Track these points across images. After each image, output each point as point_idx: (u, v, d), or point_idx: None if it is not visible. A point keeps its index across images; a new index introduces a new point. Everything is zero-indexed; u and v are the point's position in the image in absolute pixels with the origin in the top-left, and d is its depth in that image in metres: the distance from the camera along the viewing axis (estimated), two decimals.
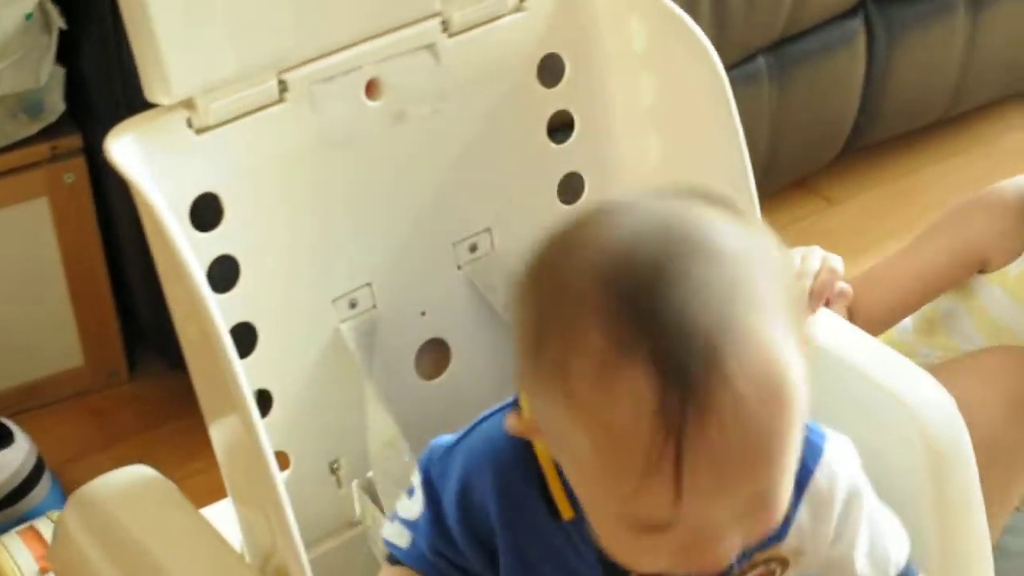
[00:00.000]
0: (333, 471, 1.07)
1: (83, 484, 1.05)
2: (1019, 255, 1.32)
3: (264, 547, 0.98)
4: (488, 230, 1.09)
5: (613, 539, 0.78)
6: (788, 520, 0.86)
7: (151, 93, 0.93)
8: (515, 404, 0.84)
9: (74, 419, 1.69)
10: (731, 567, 0.83)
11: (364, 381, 1.05)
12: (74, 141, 1.56)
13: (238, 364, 0.89)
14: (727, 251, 0.73)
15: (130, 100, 1.45)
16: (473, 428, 0.88)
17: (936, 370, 1.26)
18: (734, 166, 1.05)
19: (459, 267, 1.09)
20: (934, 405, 1.06)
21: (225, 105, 0.94)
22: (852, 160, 2.05)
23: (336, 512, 1.08)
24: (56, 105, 1.54)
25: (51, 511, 1.50)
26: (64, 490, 1.57)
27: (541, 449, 0.84)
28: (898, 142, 2.08)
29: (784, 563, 0.90)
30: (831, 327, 1.13)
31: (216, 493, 1.11)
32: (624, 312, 0.70)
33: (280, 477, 0.94)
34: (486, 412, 0.89)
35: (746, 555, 0.85)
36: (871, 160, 2.07)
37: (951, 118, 2.09)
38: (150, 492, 1.04)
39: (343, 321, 1.04)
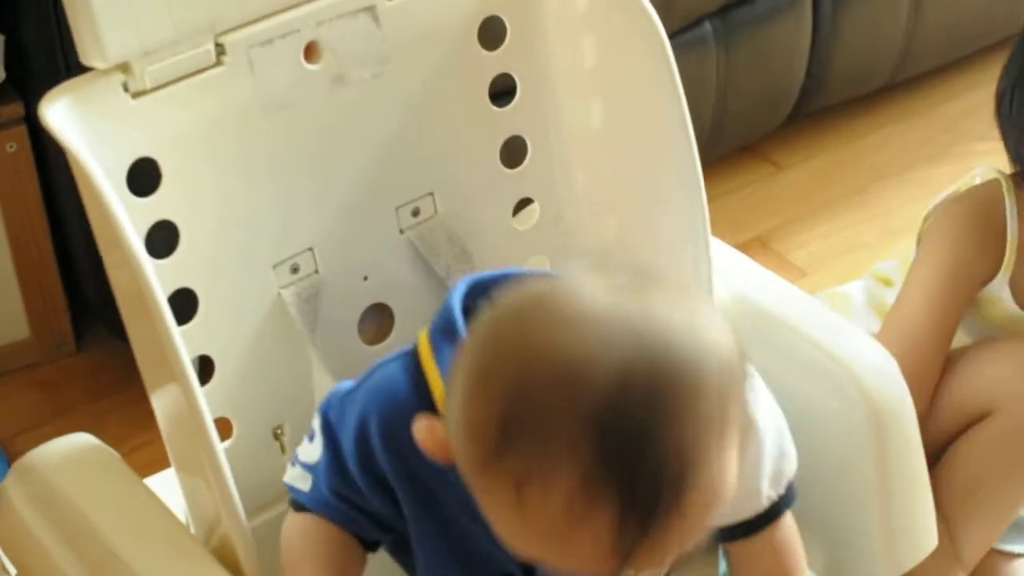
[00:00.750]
0: (277, 437, 1.07)
1: None
2: (1002, 261, 1.32)
3: (208, 516, 0.98)
4: (431, 194, 1.09)
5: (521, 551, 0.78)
6: None
7: (86, 56, 0.92)
8: (412, 356, 0.86)
9: (21, 392, 1.67)
10: None
11: (308, 346, 1.04)
12: (15, 110, 1.54)
13: (175, 330, 0.89)
14: (702, 385, 0.74)
15: (71, 67, 1.43)
16: (371, 374, 0.90)
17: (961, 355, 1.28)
18: (676, 128, 1.06)
19: (401, 231, 1.09)
20: (873, 365, 1.07)
21: (161, 69, 0.93)
22: (799, 125, 2.05)
23: (280, 478, 1.07)
24: None
25: None
26: (11, 463, 1.56)
27: (440, 394, 0.84)
28: (845, 108, 2.08)
29: None
30: (775, 290, 1.14)
31: (166, 463, 1.11)
32: (602, 461, 0.72)
33: (221, 444, 0.94)
34: (384, 359, 0.90)
35: None
36: (818, 125, 2.08)
37: (896, 84, 2.10)
38: (92, 461, 1.03)
39: (285, 287, 1.04)
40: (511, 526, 0.77)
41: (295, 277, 1.04)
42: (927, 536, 1.09)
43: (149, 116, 0.94)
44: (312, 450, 0.91)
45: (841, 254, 1.86)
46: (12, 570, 1.38)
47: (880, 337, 1.29)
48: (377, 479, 0.88)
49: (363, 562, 0.92)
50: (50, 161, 1.58)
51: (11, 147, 1.55)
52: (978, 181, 1.36)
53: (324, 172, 1.04)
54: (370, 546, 0.92)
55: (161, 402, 0.97)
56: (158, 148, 0.95)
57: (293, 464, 0.93)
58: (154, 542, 0.95)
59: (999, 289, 1.33)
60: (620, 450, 0.72)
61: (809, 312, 1.10)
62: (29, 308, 1.65)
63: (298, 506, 0.92)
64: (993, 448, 1.28)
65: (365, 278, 1.07)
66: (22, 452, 1.55)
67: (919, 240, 1.38)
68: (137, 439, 1.53)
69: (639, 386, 0.72)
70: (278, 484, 1.07)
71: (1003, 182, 1.33)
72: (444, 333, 0.86)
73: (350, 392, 0.90)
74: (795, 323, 1.09)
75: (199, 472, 0.96)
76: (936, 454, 1.29)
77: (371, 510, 0.90)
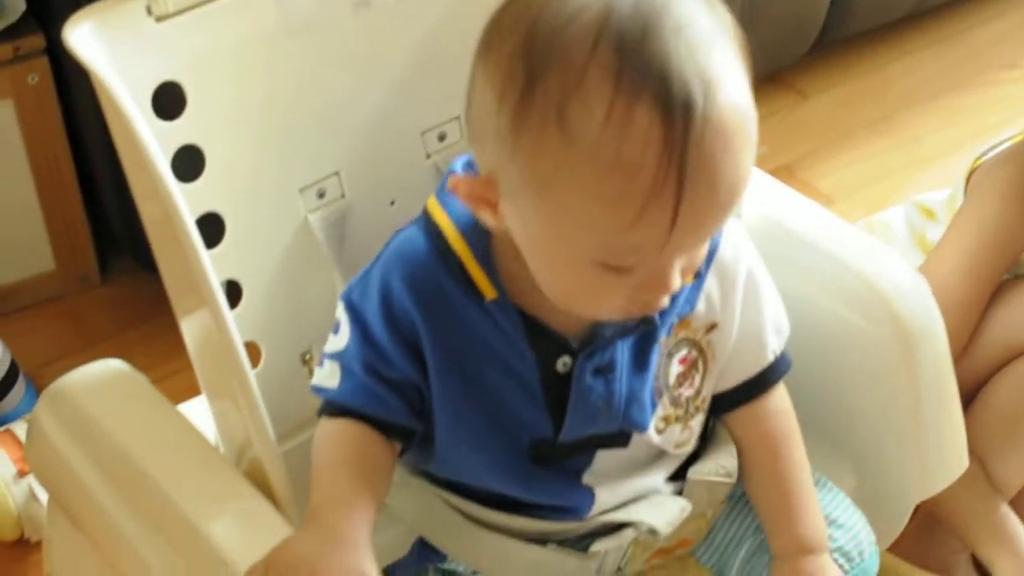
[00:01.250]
0: (305, 362, 1.07)
1: None
2: None
3: (238, 441, 0.99)
4: (457, 119, 1.08)
5: (575, 284, 0.84)
6: (699, 287, 0.94)
7: None
8: (423, 216, 0.91)
9: (47, 323, 1.68)
10: (657, 334, 0.92)
11: (334, 271, 1.04)
12: (37, 41, 1.54)
13: (204, 254, 0.89)
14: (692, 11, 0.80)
15: None
16: (385, 247, 0.92)
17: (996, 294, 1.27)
18: None
19: (428, 156, 1.08)
20: (904, 285, 1.06)
21: None
22: (824, 54, 2.04)
23: (309, 403, 1.07)
24: (17, 5, 1.52)
25: (27, 414, 1.50)
26: (40, 394, 1.57)
27: (454, 237, 0.89)
28: (869, 36, 2.07)
29: (701, 352, 0.95)
30: (805, 212, 1.13)
31: (190, 391, 1.11)
32: (626, 61, 0.78)
33: (251, 369, 0.94)
34: (393, 234, 0.93)
35: (667, 324, 0.93)
36: (843, 54, 2.07)
37: (922, 11, 2.08)
38: (122, 386, 1.04)
39: (311, 211, 1.04)
40: (563, 172, 0.79)
41: (322, 202, 1.04)
42: (958, 457, 1.09)
43: (173, 40, 0.93)
44: (338, 339, 0.92)
45: (868, 182, 1.85)
46: (43, 497, 1.39)
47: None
48: (405, 339, 0.90)
49: (393, 462, 0.92)
50: (73, 92, 1.58)
51: (33, 79, 1.55)
52: None
53: (349, 96, 1.03)
54: (402, 437, 0.92)
55: (190, 327, 0.97)
56: (182, 72, 0.95)
57: (320, 364, 0.93)
58: (186, 464, 0.96)
59: None
60: (636, 48, 0.78)
61: (839, 233, 1.10)
62: (54, 240, 1.66)
63: (327, 409, 0.93)
64: None
65: (392, 203, 1.07)
66: (48, 383, 1.57)
67: (966, 186, 1.36)
68: (163, 369, 1.53)
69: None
70: (307, 409, 1.07)
71: None
72: (448, 190, 0.89)
73: (368, 269, 0.93)
74: (826, 244, 1.08)
75: (229, 397, 0.96)
76: (971, 394, 1.28)
77: (402, 381, 0.90)
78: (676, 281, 0.84)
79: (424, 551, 0.98)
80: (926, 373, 1.07)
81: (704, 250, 0.87)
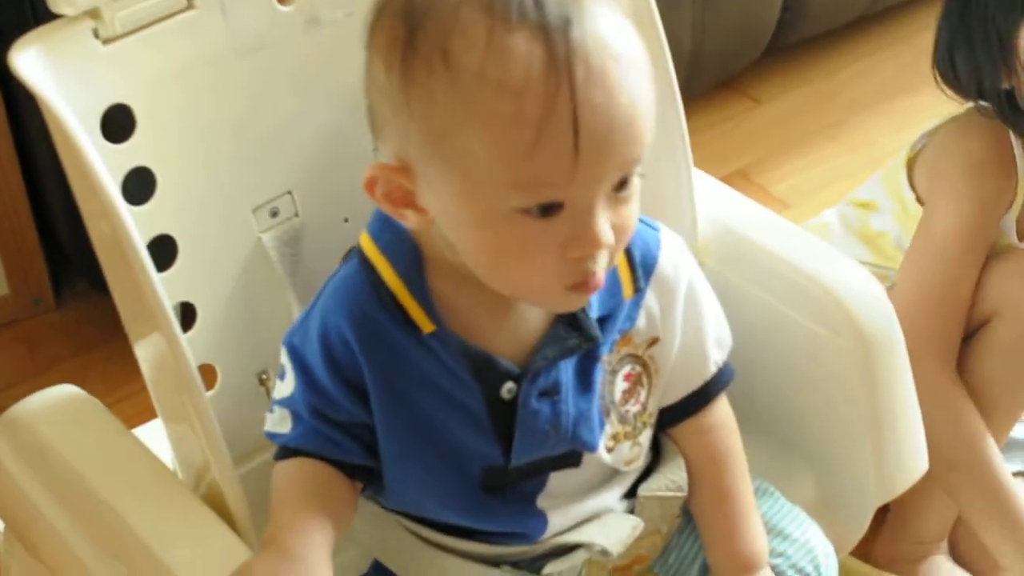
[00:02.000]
0: (262, 382, 1.06)
1: None
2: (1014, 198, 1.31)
3: (196, 465, 0.98)
4: None
5: (502, 246, 0.82)
6: (639, 302, 0.93)
7: (55, 3, 0.91)
8: (356, 255, 0.90)
9: (2, 349, 1.66)
10: (590, 321, 0.90)
11: (289, 291, 1.04)
12: None
13: (156, 278, 0.88)
14: None
15: (40, 19, 1.41)
16: (321, 291, 0.92)
17: None
18: (655, 63, 1.04)
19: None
20: (862, 291, 1.07)
21: (132, 14, 0.92)
22: (777, 59, 2.05)
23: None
24: None
25: None
26: None
27: (387, 271, 0.89)
28: (821, 41, 2.08)
29: (645, 367, 0.95)
30: (760, 220, 1.13)
31: (148, 414, 1.10)
32: None
33: (206, 392, 0.93)
34: (330, 275, 0.93)
35: (609, 341, 0.92)
36: (796, 59, 2.08)
37: (873, 15, 2.09)
38: (77, 412, 1.03)
39: (265, 231, 1.03)
40: (456, 111, 0.79)
41: (275, 221, 1.04)
42: (917, 460, 1.10)
43: (121, 62, 0.93)
44: (285, 386, 0.92)
45: (822, 186, 1.86)
46: None
47: (913, 273, 1.29)
48: (347, 380, 0.89)
49: (353, 497, 0.92)
50: (23, 114, 1.56)
51: None
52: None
53: (300, 114, 1.03)
54: (359, 476, 0.92)
55: (145, 351, 0.96)
56: (131, 94, 0.94)
57: (271, 410, 0.93)
58: (144, 491, 0.95)
59: (1007, 224, 1.32)
60: None
61: (795, 240, 1.10)
62: (6, 263, 1.64)
63: (281, 453, 0.92)
64: (1000, 355, 1.29)
65: (346, 220, 1.07)
66: (3, 408, 1.56)
67: (909, 164, 1.36)
68: (121, 392, 1.52)
69: None
70: (263, 431, 1.07)
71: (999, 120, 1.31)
72: (379, 222, 0.90)
73: (308, 311, 0.92)
74: (782, 252, 1.09)
75: (185, 421, 0.95)
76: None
77: (351, 423, 0.90)
78: (605, 231, 0.82)
79: (381, 573, 0.98)
80: (883, 378, 1.07)
81: (632, 208, 0.84)
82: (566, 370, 0.91)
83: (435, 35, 0.80)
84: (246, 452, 1.04)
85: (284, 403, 0.92)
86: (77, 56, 0.91)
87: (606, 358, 0.93)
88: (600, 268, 0.84)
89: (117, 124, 0.95)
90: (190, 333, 1.00)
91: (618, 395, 0.94)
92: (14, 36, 1.45)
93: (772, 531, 1.00)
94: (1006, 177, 1.31)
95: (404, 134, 0.83)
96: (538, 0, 0.79)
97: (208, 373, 1.01)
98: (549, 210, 0.81)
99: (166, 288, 0.90)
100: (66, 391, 1.04)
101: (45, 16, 0.91)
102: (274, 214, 1.03)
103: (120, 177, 0.93)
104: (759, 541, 0.98)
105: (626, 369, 0.94)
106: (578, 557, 0.95)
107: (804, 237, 1.11)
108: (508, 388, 0.90)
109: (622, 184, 0.82)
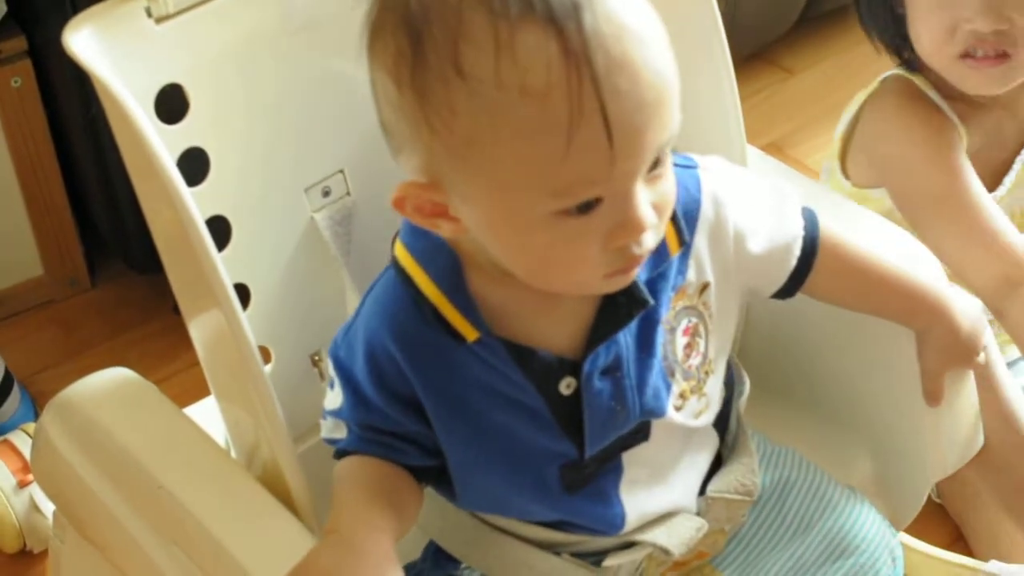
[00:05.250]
0: (315, 363, 1.06)
1: (52, 395, 1.03)
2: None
3: (249, 444, 0.97)
4: None
5: (547, 249, 0.79)
6: (687, 254, 0.90)
7: None
8: (392, 266, 0.88)
9: (38, 330, 1.66)
10: (639, 287, 0.87)
11: (342, 270, 1.03)
12: (18, 43, 1.51)
13: (217, 257, 0.88)
14: None
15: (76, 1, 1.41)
16: (362, 303, 0.89)
17: None
18: (709, 31, 1.04)
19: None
20: (921, 271, 1.05)
21: None
22: (809, 30, 2.03)
23: (320, 405, 1.06)
24: None
25: (24, 424, 1.48)
26: (34, 402, 1.55)
27: (424, 282, 0.86)
28: (853, 11, 2.05)
29: (700, 316, 0.92)
30: (819, 199, 1.12)
31: (187, 395, 1.10)
32: None
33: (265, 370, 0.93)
34: (369, 286, 0.90)
35: (665, 301, 0.89)
36: (827, 29, 2.06)
37: None
38: (129, 394, 1.02)
39: (317, 211, 1.02)
40: (480, 122, 0.75)
41: (327, 200, 1.03)
42: (973, 436, 1.09)
43: (174, 41, 0.92)
44: (334, 396, 0.90)
45: None
46: (45, 507, 1.38)
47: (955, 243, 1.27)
48: (398, 397, 0.87)
49: (417, 493, 0.90)
50: (57, 95, 1.55)
51: (16, 82, 1.52)
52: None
53: (351, 92, 1.01)
54: (421, 476, 0.91)
55: (201, 332, 0.95)
56: (184, 73, 0.93)
57: (324, 417, 0.92)
58: (203, 475, 0.94)
59: None
60: None
61: (853, 220, 1.09)
62: (42, 245, 1.64)
63: (340, 453, 0.91)
64: None
65: None
66: (42, 391, 1.56)
67: (842, 155, 1.37)
68: (158, 372, 1.52)
69: None
70: (318, 411, 1.06)
71: (911, 77, 1.32)
72: (411, 229, 0.87)
73: (350, 326, 0.89)
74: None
75: (241, 400, 0.95)
76: None
77: (406, 433, 0.89)
78: (647, 214, 0.79)
79: (439, 558, 0.97)
80: None
81: (669, 182, 0.81)
82: (626, 342, 0.89)
83: (442, 44, 0.75)
84: (300, 433, 1.03)
85: (335, 415, 0.90)
86: (130, 36, 0.90)
87: (665, 318, 0.90)
88: (646, 247, 0.81)
89: (168, 105, 0.94)
90: (244, 314, 0.99)
91: (680, 352, 0.92)
92: (48, 14, 1.46)
93: (847, 549, 0.98)
94: (938, 116, 1.30)
95: (428, 150, 0.79)
96: None
97: (262, 354, 1.00)
98: (588, 207, 0.78)
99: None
100: (119, 374, 1.03)
101: None
102: (326, 193, 1.02)
103: (175, 158, 0.92)
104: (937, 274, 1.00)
105: (684, 323, 0.91)
106: (640, 552, 0.94)
107: (862, 215, 1.10)
108: (567, 383, 0.88)
109: (656, 163, 0.80)
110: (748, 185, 0.95)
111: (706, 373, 0.94)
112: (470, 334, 0.86)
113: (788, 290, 0.97)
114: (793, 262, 0.96)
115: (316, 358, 1.06)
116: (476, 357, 0.86)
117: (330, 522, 0.86)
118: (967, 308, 1.00)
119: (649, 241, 0.81)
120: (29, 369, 1.60)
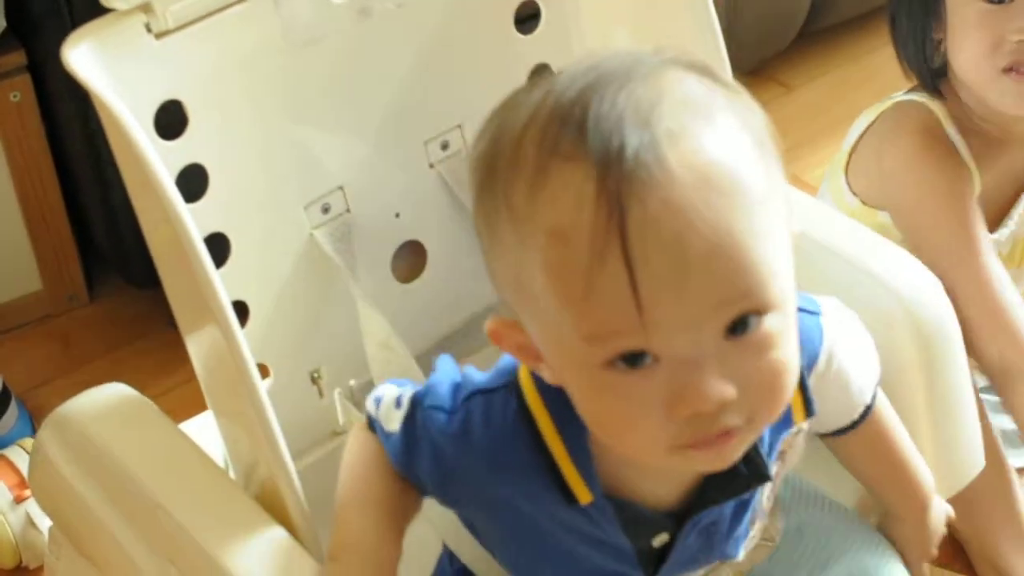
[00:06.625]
0: (314, 381, 1.06)
1: (50, 410, 1.03)
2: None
3: (247, 461, 0.97)
4: (459, 126, 1.07)
5: (602, 402, 0.73)
6: (810, 412, 0.86)
7: None
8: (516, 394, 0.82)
9: (36, 344, 1.66)
10: (762, 458, 0.82)
11: (350, 284, 1.02)
12: (17, 58, 1.51)
13: (215, 274, 0.87)
14: (678, 83, 0.72)
15: (73, 12, 1.41)
16: (469, 398, 0.83)
17: None
18: (709, 52, 1.03)
19: (431, 165, 1.07)
20: (916, 284, 1.05)
21: (184, 8, 0.91)
22: (807, 46, 2.03)
23: (319, 422, 1.06)
24: None
25: (21, 439, 1.47)
26: (32, 417, 1.55)
27: (551, 433, 0.80)
28: (852, 26, 2.06)
29: (783, 457, 0.89)
30: (810, 212, 1.12)
31: (184, 409, 1.10)
32: (556, 122, 0.71)
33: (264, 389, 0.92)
34: (481, 383, 0.84)
35: (772, 445, 0.85)
36: (826, 45, 2.06)
37: None
38: (127, 410, 1.02)
39: (316, 227, 1.02)
40: (522, 258, 0.72)
41: (326, 217, 1.02)
42: (975, 458, 1.08)
43: (173, 57, 0.92)
44: (393, 419, 0.86)
45: None
46: (41, 523, 1.37)
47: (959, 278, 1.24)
48: (457, 500, 0.86)
49: (420, 501, 0.89)
50: (56, 109, 1.55)
51: (15, 96, 1.52)
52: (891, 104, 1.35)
53: (351, 108, 1.02)
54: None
55: (199, 348, 0.95)
56: (184, 89, 0.93)
57: (376, 403, 0.88)
58: (200, 494, 0.93)
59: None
60: (569, 110, 0.71)
61: (847, 232, 1.08)
62: (40, 260, 1.63)
63: (372, 428, 0.89)
64: None
65: (397, 215, 1.06)
66: (40, 405, 1.56)
67: (846, 168, 1.36)
68: (155, 388, 1.51)
69: (608, 70, 0.72)
70: (316, 429, 1.06)
71: (931, 107, 1.31)
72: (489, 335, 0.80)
73: (445, 410, 0.83)
74: (835, 244, 1.07)
75: (239, 417, 0.94)
76: None
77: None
78: (712, 385, 0.71)
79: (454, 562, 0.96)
80: (939, 371, 1.05)
81: (774, 353, 0.73)
82: (728, 503, 0.85)
83: (502, 174, 0.72)
84: (298, 450, 1.03)
85: (379, 426, 0.87)
86: (129, 51, 0.90)
87: (772, 462, 0.86)
88: (724, 425, 0.73)
89: (167, 121, 0.93)
90: (243, 331, 0.99)
91: (766, 501, 0.89)
92: (47, 29, 1.46)
93: None
94: (953, 161, 1.29)
95: (497, 279, 0.76)
96: (595, 128, 0.69)
97: (259, 371, 1.00)
98: (635, 361, 0.71)
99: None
100: (117, 390, 1.03)
101: (80, 12, 0.90)
102: (325, 210, 1.02)
103: (174, 175, 0.92)
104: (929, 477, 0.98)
105: (774, 470, 0.87)
106: None
107: (856, 228, 1.10)
108: (660, 539, 0.84)
109: (737, 326, 0.71)
110: (859, 336, 0.92)
111: (774, 505, 0.93)
112: (584, 497, 0.81)
113: (829, 433, 0.96)
114: (857, 414, 0.94)
115: (315, 375, 1.06)
116: (582, 514, 0.82)
117: (332, 543, 0.85)
118: (937, 517, 1.00)
119: (730, 419, 0.73)
120: (27, 384, 1.59)
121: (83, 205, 1.62)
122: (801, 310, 0.79)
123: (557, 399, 0.78)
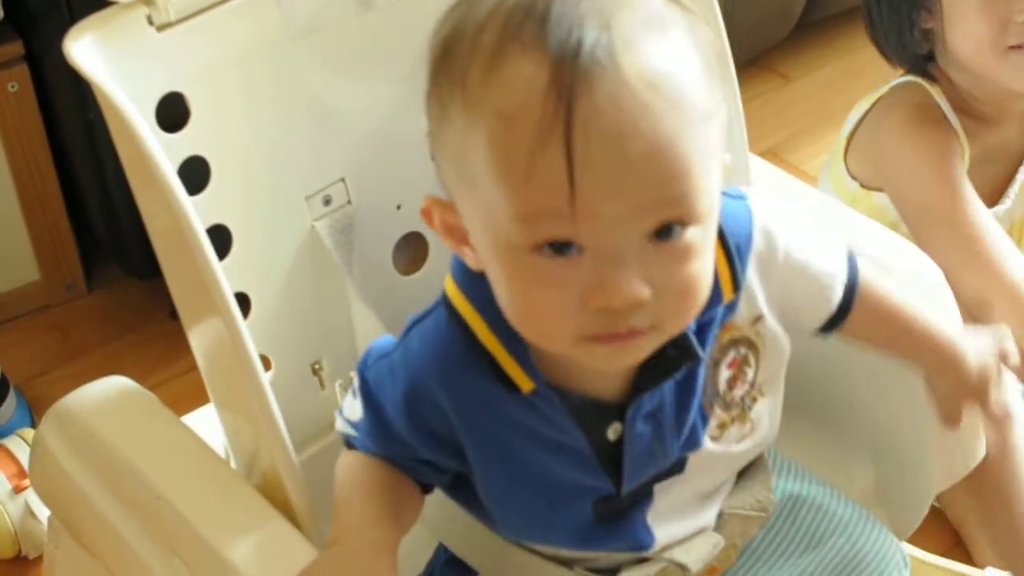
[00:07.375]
0: (315, 372, 1.05)
1: (49, 400, 1.03)
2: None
3: (249, 452, 0.97)
4: None
5: (523, 290, 0.77)
6: (738, 287, 0.88)
7: None
8: (445, 306, 0.85)
9: (35, 335, 1.66)
10: (689, 339, 0.84)
11: (345, 278, 1.02)
12: (15, 48, 1.51)
13: (218, 265, 0.87)
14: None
15: (71, 2, 1.40)
16: (406, 334, 0.87)
17: None
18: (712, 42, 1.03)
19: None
20: (920, 275, 1.05)
21: (186, 0, 0.91)
22: (806, 36, 2.03)
23: (320, 414, 1.06)
24: None
25: (20, 429, 1.47)
26: (30, 407, 1.55)
27: (482, 330, 0.84)
28: (851, 17, 2.05)
29: (751, 345, 0.91)
30: (817, 207, 1.12)
31: (184, 400, 1.10)
32: (520, 12, 0.74)
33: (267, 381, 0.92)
34: (415, 315, 0.88)
35: (706, 337, 0.87)
36: (824, 36, 2.06)
37: None
38: (128, 402, 1.02)
39: (318, 219, 1.02)
40: (468, 138, 0.75)
41: (328, 209, 1.02)
42: (976, 446, 1.08)
43: (175, 49, 0.91)
44: (353, 407, 0.89)
45: None
46: (40, 513, 1.37)
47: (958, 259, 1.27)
48: (435, 436, 0.86)
49: (420, 498, 0.90)
50: (53, 99, 1.55)
51: (13, 87, 1.52)
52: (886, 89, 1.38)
53: (353, 100, 1.02)
54: (426, 488, 0.91)
55: (201, 339, 0.95)
56: (185, 82, 0.93)
57: (339, 414, 0.91)
58: (202, 485, 0.94)
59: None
60: (533, 3, 0.74)
61: (852, 223, 1.09)
62: (38, 250, 1.63)
63: (350, 445, 0.91)
64: None
65: (398, 207, 1.05)
66: (38, 396, 1.56)
67: (845, 154, 1.38)
68: (154, 378, 1.52)
69: None
70: (317, 420, 1.06)
71: (926, 86, 1.35)
72: (462, 266, 0.84)
73: (387, 354, 0.87)
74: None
75: (241, 409, 0.94)
76: None
77: (423, 458, 0.88)
78: (630, 283, 0.75)
79: (453, 566, 0.97)
80: None
81: (694, 263, 0.77)
82: (667, 386, 0.87)
83: (461, 57, 0.76)
84: (299, 442, 1.03)
85: (351, 425, 0.90)
86: (131, 44, 0.90)
87: (708, 355, 0.88)
88: (634, 324, 0.76)
89: (169, 113, 0.93)
90: (244, 323, 0.99)
91: (722, 385, 0.90)
92: (44, 19, 1.46)
93: (858, 567, 0.97)
94: (945, 129, 1.33)
95: (440, 161, 0.80)
96: (557, 21, 0.73)
97: (262, 363, 1.00)
98: (561, 249, 0.75)
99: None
100: (117, 382, 1.03)
101: (78, 2, 0.89)
102: (327, 202, 1.02)
103: (175, 167, 0.92)
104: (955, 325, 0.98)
105: (730, 356, 0.89)
106: (654, 566, 0.93)
107: (863, 223, 1.10)
108: (614, 429, 0.86)
109: (662, 231, 0.75)
110: (796, 214, 0.93)
111: (753, 399, 0.93)
112: (526, 385, 0.84)
113: (826, 328, 0.96)
114: (835, 299, 0.94)
115: (316, 366, 1.06)
116: (528, 405, 0.85)
117: (333, 531, 0.86)
118: (978, 355, 0.97)
119: (641, 319, 0.77)
120: (25, 374, 1.59)
121: (81, 195, 1.61)
122: (726, 195, 0.84)
123: (485, 301, 0.82)
